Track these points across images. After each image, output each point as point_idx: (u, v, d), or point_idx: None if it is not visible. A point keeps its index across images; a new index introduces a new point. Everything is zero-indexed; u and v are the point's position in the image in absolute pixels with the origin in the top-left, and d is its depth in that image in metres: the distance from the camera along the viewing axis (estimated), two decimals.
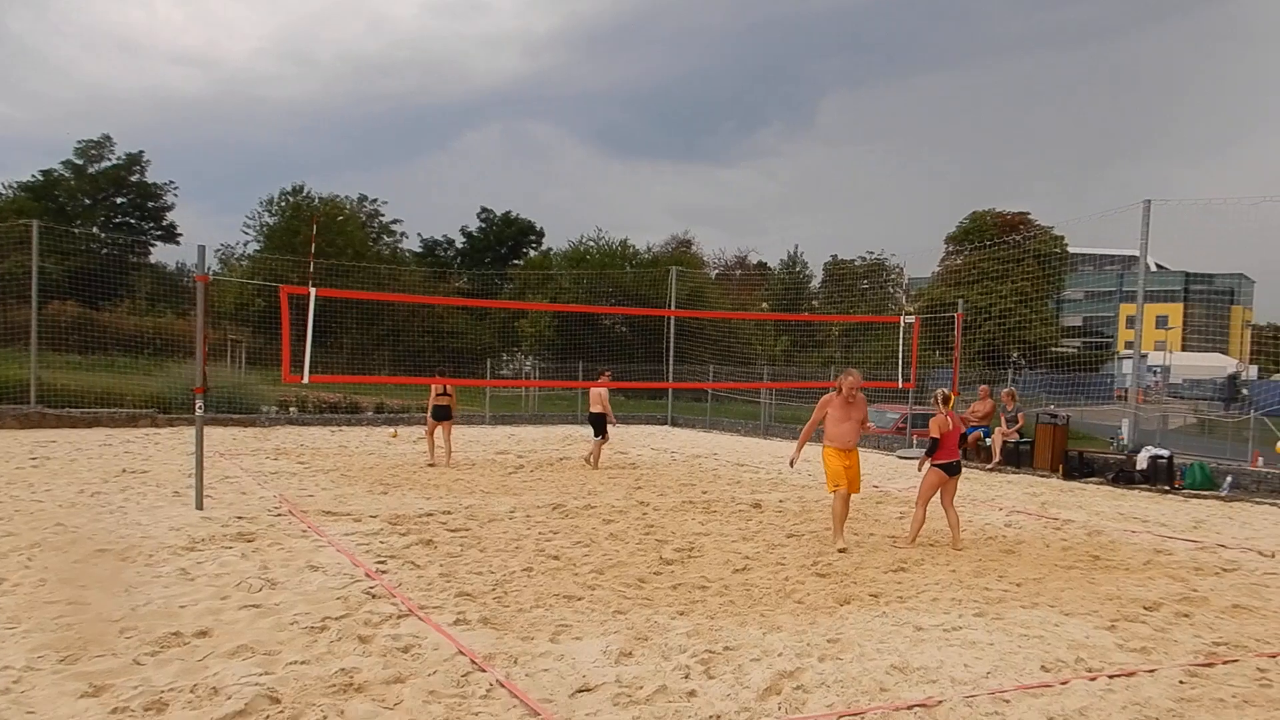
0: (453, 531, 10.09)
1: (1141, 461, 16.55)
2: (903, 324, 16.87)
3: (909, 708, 5.07)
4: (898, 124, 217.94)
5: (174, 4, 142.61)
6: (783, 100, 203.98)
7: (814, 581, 8.18)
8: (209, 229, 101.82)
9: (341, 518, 10.81)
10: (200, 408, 11.38)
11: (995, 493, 15.00)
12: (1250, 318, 66.04)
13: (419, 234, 56.89)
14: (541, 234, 55.90)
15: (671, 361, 34.19)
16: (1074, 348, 53.16)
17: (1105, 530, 11.42)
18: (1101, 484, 16.71)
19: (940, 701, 5.18)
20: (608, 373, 18.47)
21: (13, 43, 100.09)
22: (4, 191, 50.31)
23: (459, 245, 55.13)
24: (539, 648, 6.00)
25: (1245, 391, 32.03)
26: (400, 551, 8.92)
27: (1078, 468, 17.49)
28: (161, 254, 56.00)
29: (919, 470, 10.44)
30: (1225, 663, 6.07)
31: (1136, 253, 19.89)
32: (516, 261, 54.01)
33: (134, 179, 52.42)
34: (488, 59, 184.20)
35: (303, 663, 5.58)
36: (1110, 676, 5.70)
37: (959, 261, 47.04)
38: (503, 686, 5.27)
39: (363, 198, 51.24)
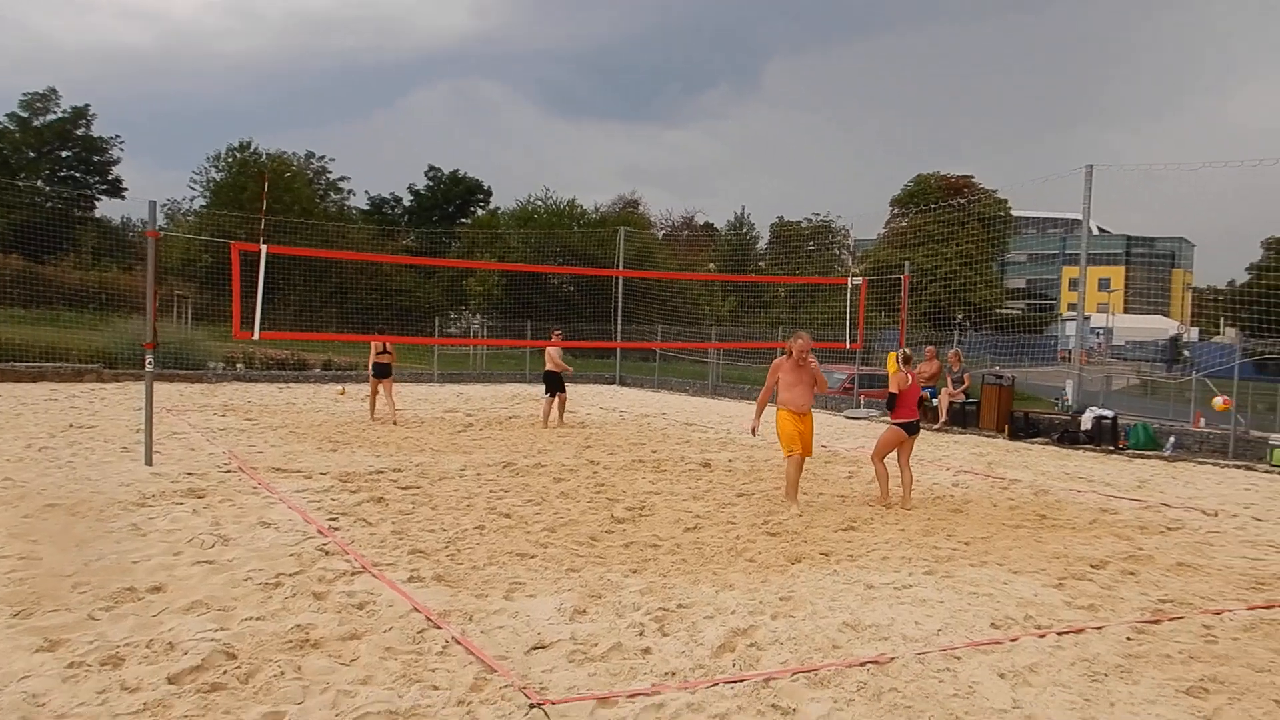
0: (403, 489, 9.97)
1: (1086, 422, 16.81)
2: (850, 286, 16.91)
3: (862, 664, 5.08)
4: (843, 87, 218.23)
5: None
6: (729, 62, 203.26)
7: (765, 540, 8.18)
8: (153, 184, 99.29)
9: (292, 475, 10.64)
10: (150, 363, 11.14)
11: (942, 453, 15.16)
12: (1190, 280, 67.44)
13: (366, 192, 56.05)
14: (489, 193, 55.32)
15: (620, 321, 34.10)
16: (1018, 310, 53.80)
17: (1051, 490, 11.58)
18: (1047, 444, 16.96)
19: (893, 658, 5.19)
20: (558, 332, 18.30)
21: None
22: None
23: (406, 203, 54.39)
24: (493, 605, 5.93)
25: (1187, 353, 32.67)
26: (352, 509, 8.80)
27: (1023, 428, 17.73)
28: (107, 208, 54.72)
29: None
30: (1171, 619, 6.16)
31: (1079, 216, 20.12)
32: (464, 220, 53.41)
33: (79, 133, 51.04)
34: (436, 16, 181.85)
35: (258, 618, 5.49)
36: (1059, 633, 5.76)
37: (904, 224, 47.35)
38: (458, 643, 5.20)
39: (310, 154, 50.42)
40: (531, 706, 4.36)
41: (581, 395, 25.00)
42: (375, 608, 5.81)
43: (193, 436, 13.79)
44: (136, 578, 6.27)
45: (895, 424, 10.20)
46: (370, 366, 17.42)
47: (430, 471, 11.21)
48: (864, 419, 20.79)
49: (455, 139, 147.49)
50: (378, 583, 6.35)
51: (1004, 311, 46.09)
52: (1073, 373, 20.23)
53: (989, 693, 4.76)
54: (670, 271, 41.04)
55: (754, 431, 10.43)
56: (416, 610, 5.76)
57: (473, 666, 4.88)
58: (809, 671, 4.94)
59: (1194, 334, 42.34)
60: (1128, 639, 5.71)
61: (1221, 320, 40.99)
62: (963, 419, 19.01)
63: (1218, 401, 15.79)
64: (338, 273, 38.16)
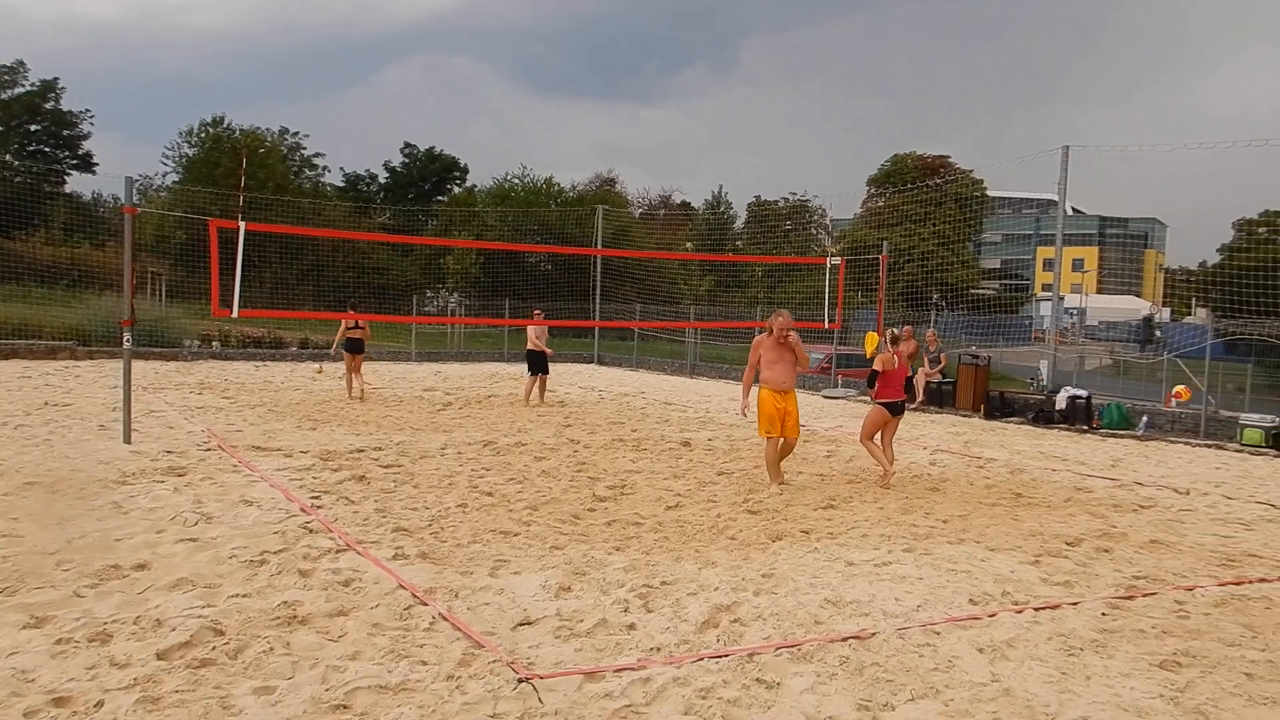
0: (385, 468, 9.99)
1: (1060, 402, 17.00)
2: (829, 265, 16.99)
3: (844, 640, 5.16)
4: (820, 66, 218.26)
5: None
6: (705, 41, 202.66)
7: (746, 518, 8.26)
8: (124, 159, 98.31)
9: (272, 453, 10.63)
10: (128, 340, 11.09)
11: (919, 432, 15.29)
12: (1163, 261, 68.04)
13: (341, 168, 55.48)
14: (466, 170, 54.92)
15: (598, 300, 34.09)
16: (992, 290, 54.18)
17: (1027, 468, 11.73)
18: (1022, 423, 17.14)
19: (874, 633, 5.28)
20: (539, 311, 18.34)
21: None
22: None
23: (382, 180, 53.92)
24: (478, 582, 5.98)
25: (1159, 333, 33.02)
26: (334, 487, 8.82)
27: (999, 408, 17.90)
28: (77, 183, 54.00)
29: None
30: (1144, 595, 6.29)
31: (1053, 196, 20.28)
32: (440, 198, 53.07)
33: (48, 106, 50.18)
34: None
35: (244, 595, 5.52)
36: (1036, 609, 5.86)
37: (881, 204, 47.56)
38: (445, 619, 5.25)
39: (284, 130, 49.75)
40: (520, 681, 4.42)
41: (560, 374, 25.02)
42: (361, 585, 5.84)
43: (170, 415, 13.73)
44: (120, 555, 6.28)
45: (880, 404, 10.26)
46: (335, 344, 17.75)
47: (411, 450, 11.22)
48: (841, 398, 20.93)
49: (431, 116, 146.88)
50: (363, 560, 6.38)
51: (979, 291, 46.36)
52: (1048, 353, 20.42)
53: (968, 667, 4.85)
54: (649, 251, 41.00)
55: (744, 412, 10.17)
56: (402, 587, 5.80)
57: (460, 642, 4.93)
58: (792, 646, 5.02)
59: (1166, 314, 42.82)
60: (1102, 614, 5.82)
61: (1193, 301, 41.44)
62: (939, 398, 19.17)
63: (1177, 390, 15.88)
64: (313, 250, 37.91)
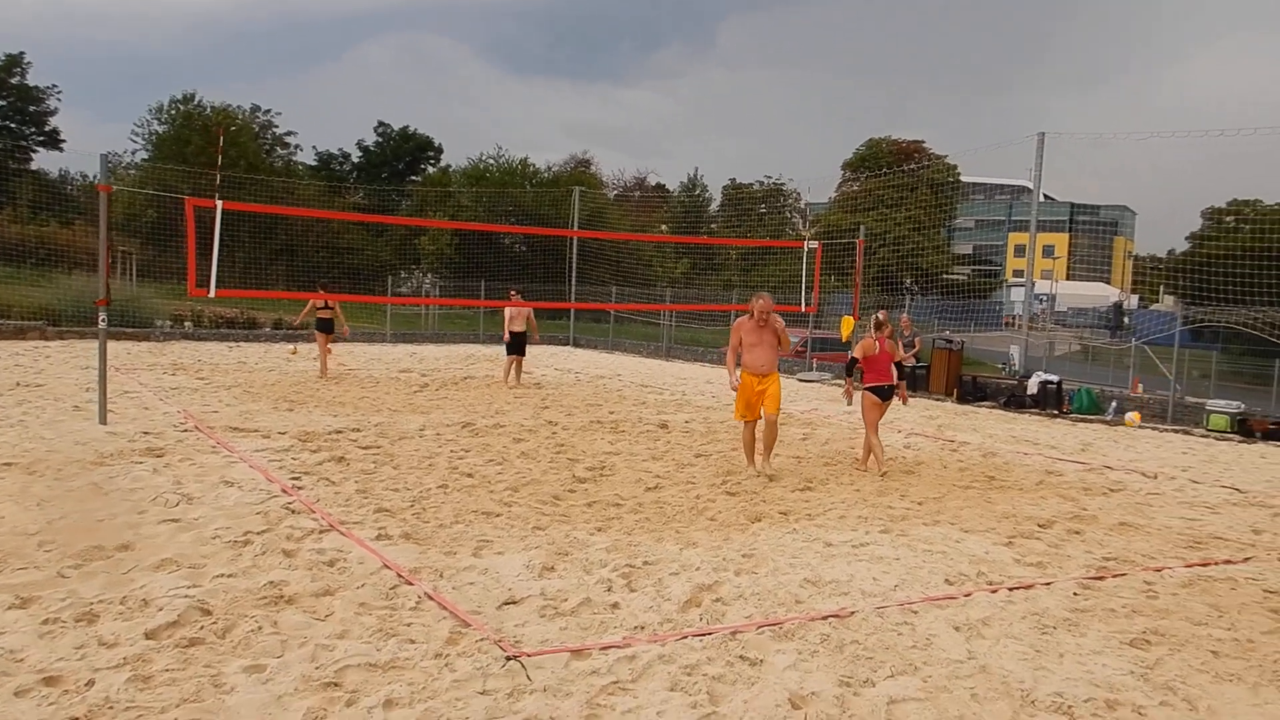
0: (364, 449, 10.00)
1: (1032, 386, 17.23)
2: (806, 249, 17.09)
3: (824, 618, 5.27)
4: (797, 48, 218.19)
5: None
6: (681, 21, 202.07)
7: (725, 500, 8.36)
8: (91, 137, 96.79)
9: (250, 434, 10.62)
10: (103, 320, 11.03)
11: (893, 415, 15.38)
12: (1132, 249, 68.73)
13: (314, 147, 55.09)
14: (440, 150, 54.56)
15: (574, 282, 34.08)
16: (964, 275, 54.57)
17: (999, 452, 11.91)
18: (994, 408, 17.36)
19: (853, 612, 5.39)
20: (515, 292, 18.34)
21: None
22: None
23: (355, 159, 53.49)
24: (462, 562, 6.04)
25: (1128, 320, 33.42)
26: (314, 468, 8.83)
27: (971, 392, 18.12)
28: (44, 160, 53.21)
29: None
30: (1115, 576, 6.44)
31: (1025, 182, 20.53)
32: (414, 178, 52.74)
33: (14, 81, 49.35)
34: None
35: (230, 575, 5.55)
36: (1010, 589, 5.99)
37: (856, 188, 47.70)
38: (431, 599, 5.31)
39: (255, 108, 49.22)
40: (508, 659, 4.48)
41: (535, 356, 25.02)
42: (346, 565, 5.88)
43: (145, 395, 13.67)
44: (103, 536, 6.27)
45: (867, 389, 10.30)
46: (300, 319, 18.31)
47: (389, 431, 11.24)
48: (816, 381, 21.08)
49: (405, 95, 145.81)
50: (346, 540, 6.42)
51: (951, 276, 46.73)
52: (1019, 338, 20.65)
53: (945, 644, 4.96)
54: (627, 233, 40.99)
55: (734, 387, 9.72)
56: (387, 567, 5.84)
57: (447, 621, 4.99)
58: (774, 625, 5.12)
59: (1134, 301, 43.29)
60: (1074, 594, 5.96)
61: (1161, 288, 41.91)
62: (913, 383, 19.32)
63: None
64: (285, 230, 37.64)
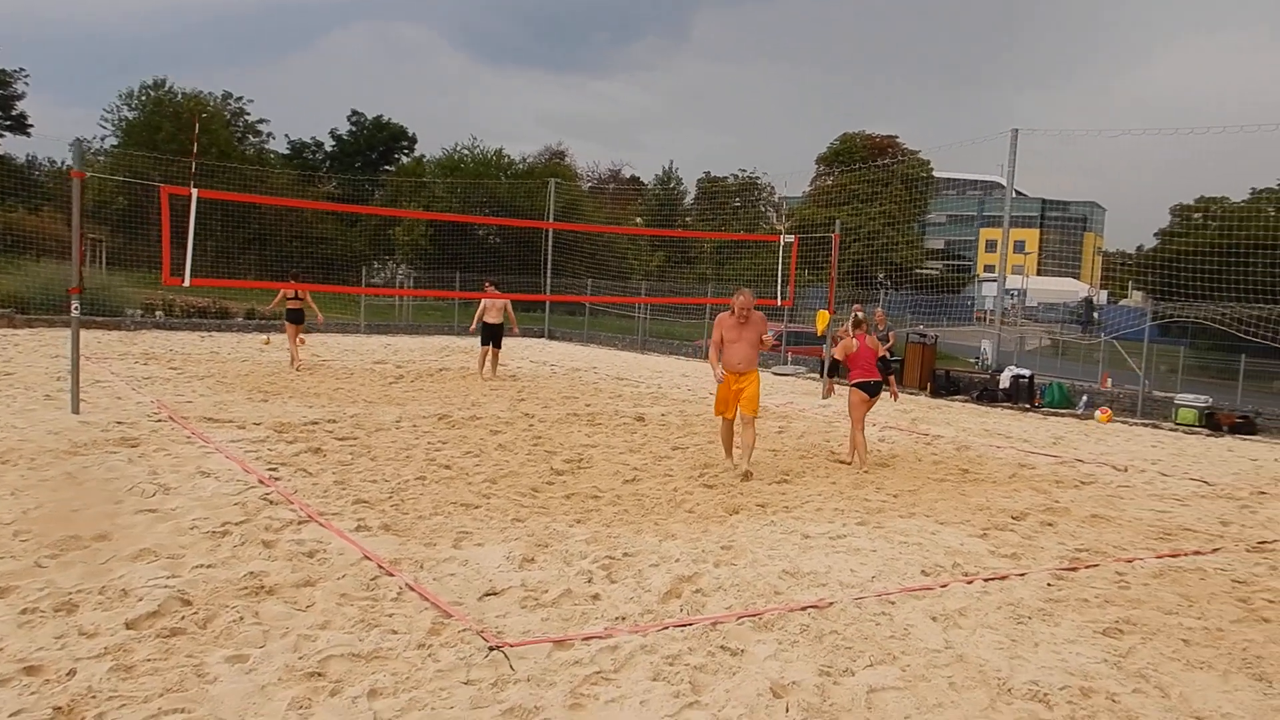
0: (341, 440, 9.98)
1: (1004, 380, 17.39)
2: (782, 243, 17.17)
3: (803, 609, 5.32)
4: (772, 42, 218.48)
5: None
6: (657, 13, 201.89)
7: (702, 492, 8.40)
8: (51, 120, 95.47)
9: (225, 425, 10.56)
10: (76, 308, 10.92)
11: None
12: (1101, 244, 69.39)
13: (286, 135, 54.63)
14: (414, 140, 54.24)
15: (549, 274, 34.04)
16: (936, 270, 54.92)
17: (972, 445, 12.03)
18: (967, 401, 17.52)
19: (831, 603, 5.45)
20: (490, 284, 18.29)
21: None
22: None
23: (328, 148, 53.08)
24: (443, 553, 6.05)
25: (1098, 315, 33.80)
26: (290, 459, 8.80)
27: (944, 386, 18.27)
28: (10, 145, 52.39)
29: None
30: (1087, 567, 6.54)
31: (996, 178, 20.76)
32: (388, 168, 52.43)
33: None
34: None
35: (209, 566, 5.53)
36: (985, 580, 6.08)
37: (829, 182, 47.84)
38: (412, 590, 5.32)
39: (227, 95, 48.75)
40: (491, 649, 4.51)
41: (511, 348, 25.00)
42: (326, 556, 5.88)
43: (117, 385, 13.55)
44: (79, 526, 6.22)
45: (854, 385, 10.31)
46: (271, 309, 18.35)
47: (366, 423, 11.21)
48: (791, 375, 21.18)
49: (378, 83, 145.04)
50: (325, 531, 6.41)
51: (924, 271, 47.00)
52: (991, 333, 20.84)
53: (923, 634, 5.03)
54: (603, 225, 40.97)
55: (718, 377, 9.47)
56: (368, 558, 5.84)
57: (429, 612, 5.00)
58: (754, 615, 5.17)
59: (1103, 297, 43.74)
60: (1048, 585, 6.05)
61: (1129, 284, 42.37)
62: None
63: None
64: (258, 219, 37.34)
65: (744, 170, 49.73)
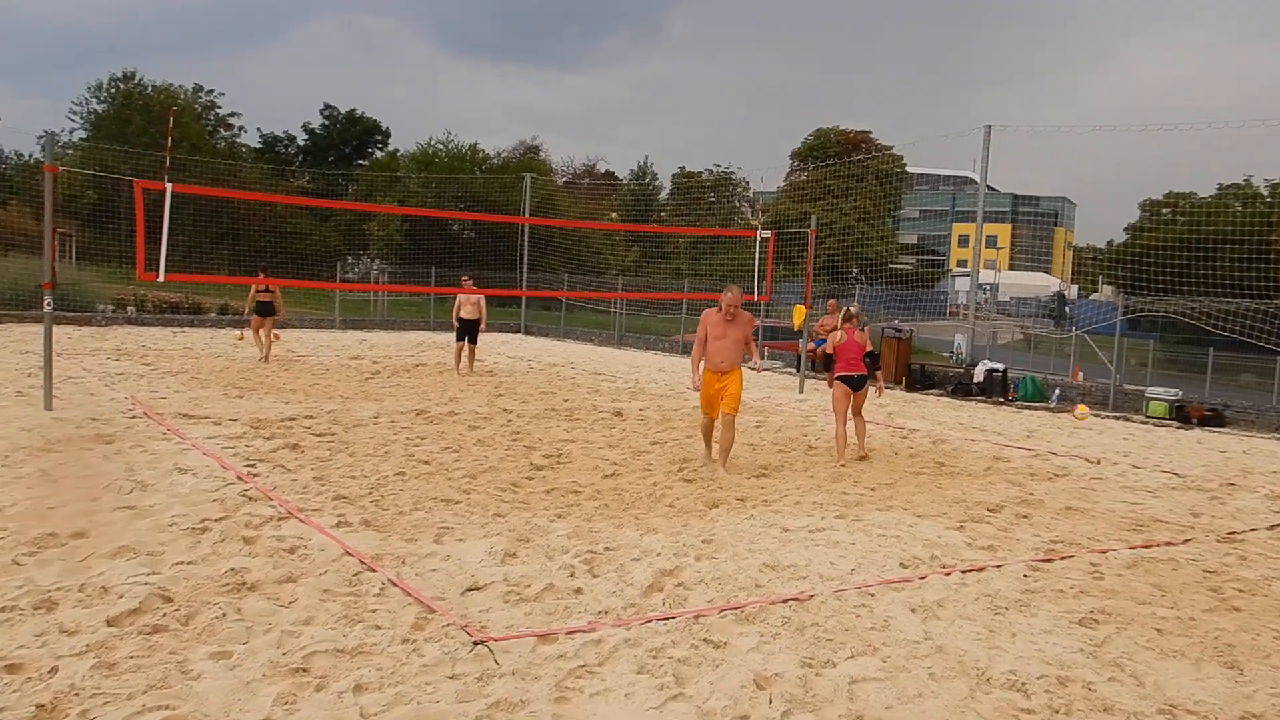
0: (318, 436, 9.94)
1: (978, 374, 17.54)
2: (759, 238, 17.22)
3: (784, 601, 5.37)
4: (746, 36, 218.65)
5: None
6: (629, 7, 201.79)
7: (682, 486, 8.44)
8: (16, 112, 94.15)
9: (200, 421, 10.50)
10: (49, 304, 10.81)
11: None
12: (1072, 239, 69.87)
13: (258, 129, 54.23)
14: (388, 134, 54.03)
15: (525, 269, 33.99)
16: (910, 264, 55.24)
17: (948, 439, 12.13)
18: (942, 395, 17.65)
19: (812, 595, 5.50)
20: (467, 279, 18.26)
21: None
22: None
23: (301, 142, 52.77)
24: (424, 549, 6.06)
25: (1069, 309, 34.11)
26: (268, 455, 8.76)
27: (920, 380, 18.40)
28: None
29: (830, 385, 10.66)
30: (1062, 558, 6.62)
31: (968, 173, 20.90)
32: (362, 162, 52.16)
33: None
34: None
35: (190, 563, 5.51)
36: (963, 572, 6.15)
37: (804, 178, 48.01)
38: (395, 585, 5.32)
39: (198, 88, 48.33)
40: (475, 644, 4.52)
41: (487, 343, 24.94)
42: (307, 552, 5.87)
43: (90, 381, 13.44)
44: (56, 523, 6.18)
45: (837, 378, 10.36)
46: (248, 308, 18.16)
47: (343, 418, 11.17)
48: (768, 370, 21.25)
49: (351, 77, 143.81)
50: (306, 528, 6.39)
51: (897, 266, 47.30)
52: (965, 327, 21.00)
53: (902, 625, 5.09)
54: (579, 220, 40.94)
55: (695, 388, 9.47)
56: (349, 554, 5.84)
57: (412, 607, 5.01)
58: (735, 609, 5.21)
59: (1074, 291, 44.10)
60: (1024, 576, 6.13)
61: (1100, 278, 42.77)
62: None
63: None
64: (230, 213, 37.05)
65: (719, 165, 49.76)
